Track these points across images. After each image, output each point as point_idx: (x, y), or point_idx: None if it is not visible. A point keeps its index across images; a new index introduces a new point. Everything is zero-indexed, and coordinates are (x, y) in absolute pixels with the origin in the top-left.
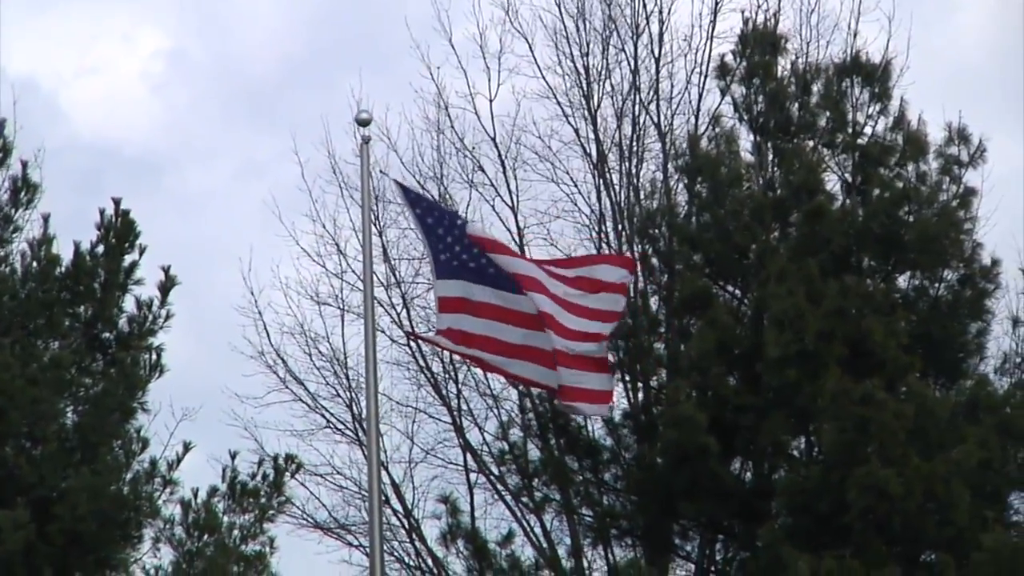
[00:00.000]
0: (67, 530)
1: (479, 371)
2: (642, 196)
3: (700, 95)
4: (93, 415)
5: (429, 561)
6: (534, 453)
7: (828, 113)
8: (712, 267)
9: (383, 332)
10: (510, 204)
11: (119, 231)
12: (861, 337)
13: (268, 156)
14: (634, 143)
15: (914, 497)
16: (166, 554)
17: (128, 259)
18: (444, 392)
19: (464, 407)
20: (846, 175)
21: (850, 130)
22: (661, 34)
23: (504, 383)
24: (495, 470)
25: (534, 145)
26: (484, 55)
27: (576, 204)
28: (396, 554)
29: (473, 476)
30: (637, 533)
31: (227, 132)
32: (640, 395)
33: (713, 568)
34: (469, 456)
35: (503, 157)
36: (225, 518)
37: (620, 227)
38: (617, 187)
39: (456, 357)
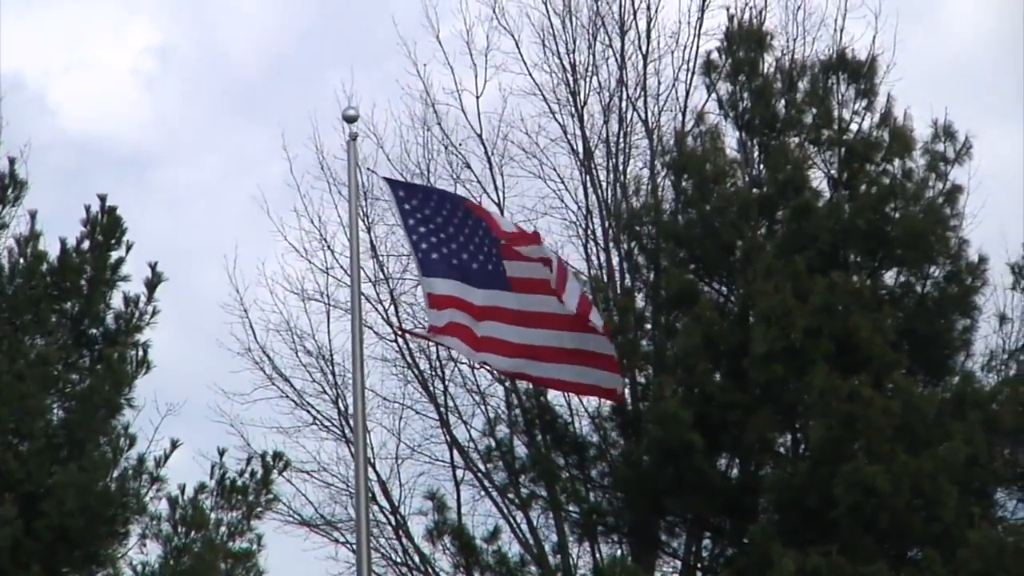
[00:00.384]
0: (55, 526)
1: (465, 367)
2: (629, 192)
3: (687, 92)
4: (80, 411)
5: (416, 558)
6: (521, 449)
7: (814, 109)
8: (698, 264)
9: (370, 328)
10: (497, 201)
11: (105, 227)
12: (848, 333)
13: (256, 152)
14: (621, 140)
15: (901, 494)
16: (153, 550)
17: (115, 255)
18: (431, 388)
19: (451, 403)
20: (832, 171)
21: (836, 127)
22: (648, 30)
23: (490, 379)
24: (482, 466)
25: (521, 142)
26: (471, 52)
27: (563, 201)
28: (383, 551)
29: (460, 473)
30: (624, 530)
31: (215, 128)
32: (626, 392)
33: (700, 565)
34: (456, 453)
35: (490, 154)
36: (212, 515)
37: (607, 224)
38: (604, 184)
39: (443, 354)
